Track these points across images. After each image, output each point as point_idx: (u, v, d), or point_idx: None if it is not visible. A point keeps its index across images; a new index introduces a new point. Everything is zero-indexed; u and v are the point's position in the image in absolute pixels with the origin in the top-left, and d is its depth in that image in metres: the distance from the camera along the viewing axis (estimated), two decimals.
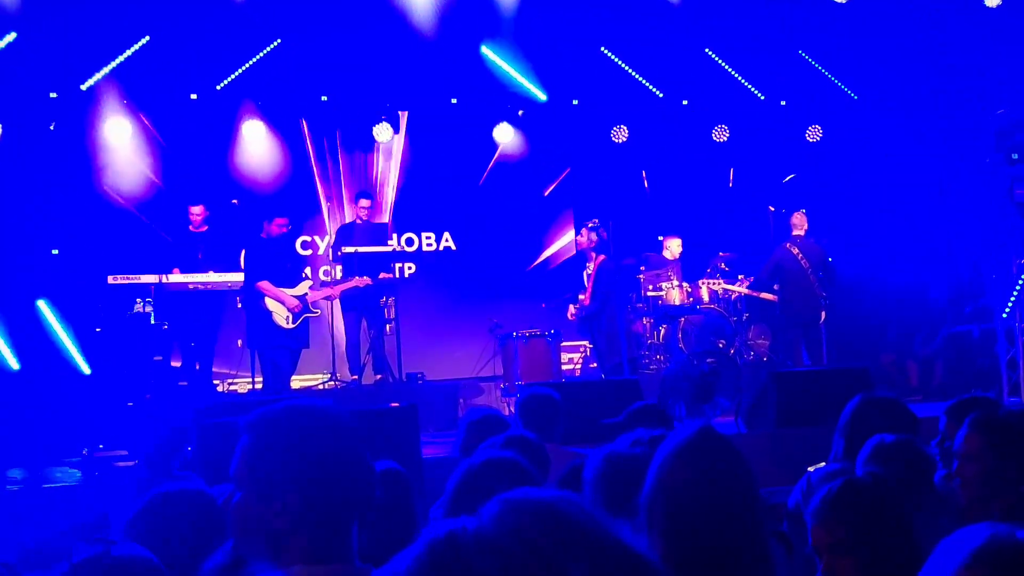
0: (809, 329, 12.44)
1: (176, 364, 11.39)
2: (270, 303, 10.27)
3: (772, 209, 13.68)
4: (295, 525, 2.20)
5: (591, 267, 11.76)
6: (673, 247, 13.42)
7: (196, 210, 11.89)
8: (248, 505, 2.23)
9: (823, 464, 4.70)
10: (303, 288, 10.41)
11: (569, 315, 12.08)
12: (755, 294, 12.89)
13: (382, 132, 13.89)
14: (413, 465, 6.72)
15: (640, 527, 2.57)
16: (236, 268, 12.14)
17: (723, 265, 13.39)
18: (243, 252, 11.57)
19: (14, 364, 10.90)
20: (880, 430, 4.37)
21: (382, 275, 11.58)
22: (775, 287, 12.62)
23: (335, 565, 2.17)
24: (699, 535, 2.45)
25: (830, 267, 12.49)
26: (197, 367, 11.66)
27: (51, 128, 12.57)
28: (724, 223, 14.31)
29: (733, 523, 2.47)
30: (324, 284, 10.74)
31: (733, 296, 13.23)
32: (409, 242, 14.54)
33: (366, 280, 11.48)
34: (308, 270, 11.58)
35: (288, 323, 10.28)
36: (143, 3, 12.10)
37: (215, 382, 12.08)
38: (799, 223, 12.49)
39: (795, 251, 12.34)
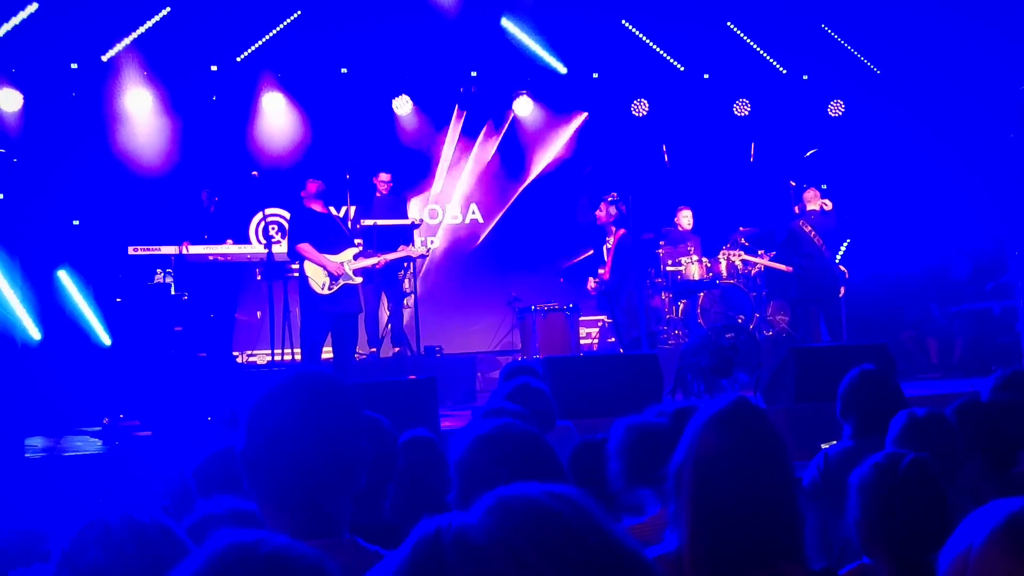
0: (828, 305, 12.39)
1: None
2: (309, 268, 10.23)
3: (793, 184, 13.60)
4: (283, 491, 2.22)
5: (611, 241, 11.74)
6: (684, 219, 13.37)
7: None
8: (246, 456, 2.26)
9: (834, 442, 4.70)
10: (348, 255, 10.37)
11: (589, 287, 12.05)
12: (776, 266, 12.86)
13: (401, 105, 13.87)
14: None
15: (668, 495, 2.57)
16: (246, 240, 12.19)
17: (743, 240, 13.34)
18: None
19: (36, 334, 10.95)
20: (873, 405, 4.38)
21: (413, 249, 11.50)
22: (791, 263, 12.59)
23: (320, 540, 2.18)
24: (729, 505, 2.43)
25: (839, 242, 12.44)
26: (216, 339, 11.71)
27: (72, 98, 12.59)
28: (745, 198, 14.24)
29: (764, 494, 2.45)
30: (365, 254, 10.67)
31: (752, 271, 13.19)
32: (432, 214, 14.54)
33: (419, 250, 11.46)
34: (360, 241, 11.56)
35: (325, 289, 10.22)
36: None
37: (234, 354, 12.12)
38: (812, 199, 12.44)
39: (807, 228, 12.29)
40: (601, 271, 11.77)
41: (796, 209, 12.38)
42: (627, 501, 3.68)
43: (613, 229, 11.70)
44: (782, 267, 12.83)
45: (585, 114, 14.95)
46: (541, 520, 1.27)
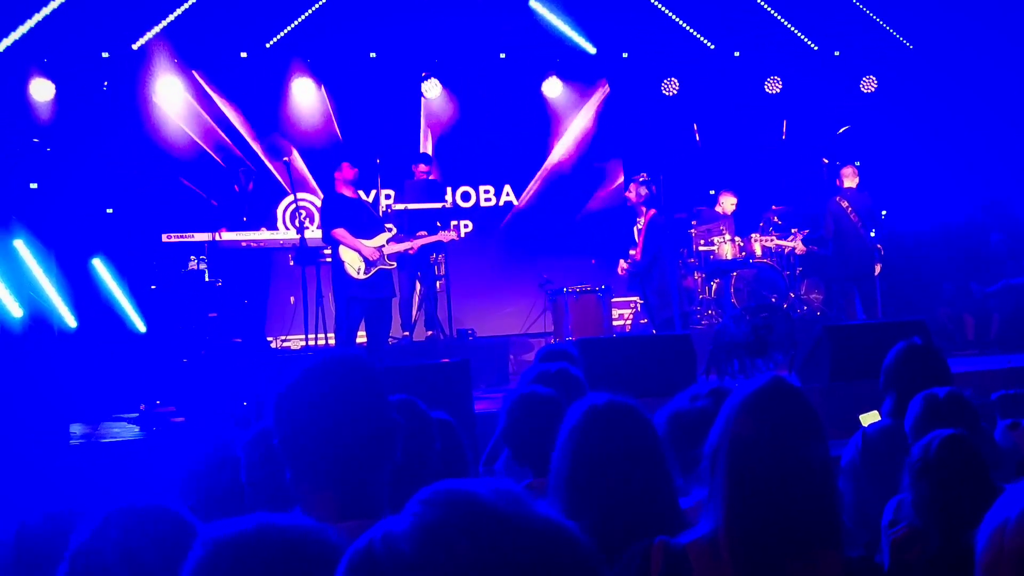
0: (863, 282, 12.34)
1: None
2: (344, 253, 10.25)
3: (826, 161, 13.50)
4: (318, 474, 2.25)
5: (641, 222, 11.68)
6: (727, 203, 13.30)
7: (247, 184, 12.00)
8: (268, 439, 2.30)
9: (875, 418, 4.65)
10: (382, 239, 10.38)
11: (620, 270, 12.01)
12: (809, 248, 12.81)
13: (431, 89, 13.86)
14: (466, 420, 6.76)
15: (703, 477, 2.55)
16: (274, 226, 12.26)
17: (776, 219, 13.26)
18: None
19: (71, 322, 11.04)
20: (919, 381, 4.32)
21: (448, 234, 11.50)
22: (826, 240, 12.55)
23: (363, 520, 2.19)
24: (766, 487, 2.40)
25: (879, 221, 12.36)
26: (250, 324, 11.78)
27: (104, 87, 12.66)
28: (777, 176, 14.15)
29: (802, 476, 2.42)
30: (398, 239, 10.69)
31: (786, 250, 13.11)
32: (466, 196, 14.54)
33: (451, 235, 11.46)
34: (391, 226, 11.58)
35: (360, 274, 10.24)
36: None
37: (268, 339, 12.17)
38: (850, 175, 12.38)
39: (844, 204, 12.23)
40: (632, 252, 11.73)
41: (839, 183, 12.36)
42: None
43: (644, 209, 11.65)
44: (799, 246, 12.81)
45: (607, 89, 14.85)
46: (471, 513, 1.23)
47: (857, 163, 12.86)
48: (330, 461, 2.25)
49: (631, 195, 11.78)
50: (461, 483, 1.28)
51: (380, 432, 2.30)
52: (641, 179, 11.74)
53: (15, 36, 12.12)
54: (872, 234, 12.44)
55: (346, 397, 2.28)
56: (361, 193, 10.81)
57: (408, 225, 11.83)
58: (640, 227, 11.66)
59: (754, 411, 2.48)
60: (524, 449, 4.01)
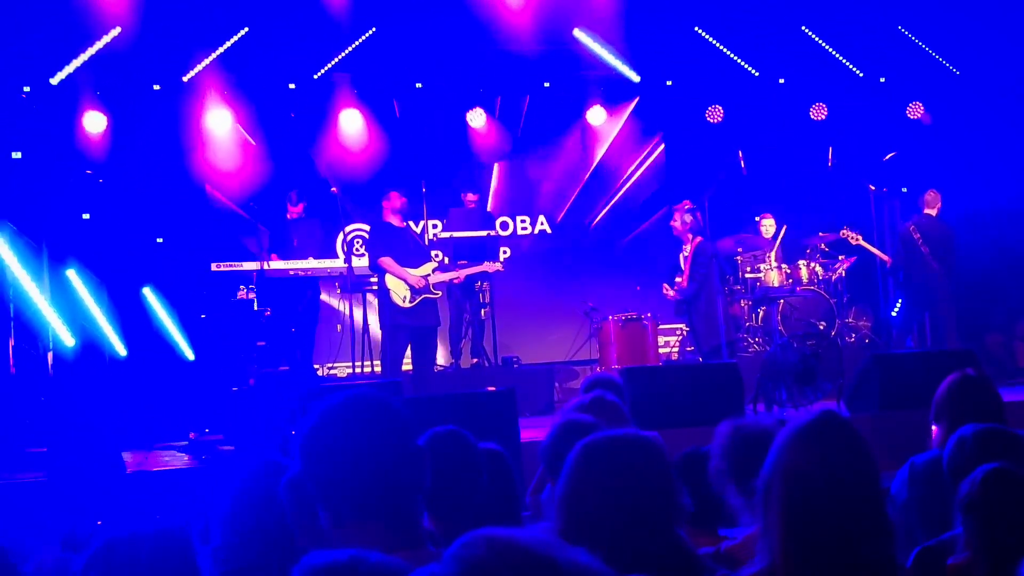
0: (936, 311, 12.32)
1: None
2: (390, 281, 10.34)
3: (872, 188, 13.43)
4: (351, 510, 2.28)
5: (687, 249, 11.67)
6: (768, 225, 13.28)
7: (295, 208, 12.10)
8: (303, 483, 2.33)
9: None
10: (427, 268, 10.47)
11: (665, 291, 11.94)
12: (874, 250, 12.86)
13: (476, 118, 13.95)
14: (512, 449, 6.77)
15: (756, 508, 2.55)
16: (332, 255, 12.35)
17: (823, 246, 13.19)
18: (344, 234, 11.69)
19: (121, 351, 11.18)
20: (972, 413, 4.27)
21: (493, 265, 11.56)
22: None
23: (404, 551, 2.22)
24: (820, 521, 2.41)
25: (951, 249, 12.27)
26: (298, 352, 11.87)
27: (155, 118, 12.84)
28: (823, 203, 14.07)
29: (856, 510, 2.42)
30: (444, 268, 10.80)
31: (833, 277, 13.04)
32: (504, 226, 14.59)
33: (496, 266, 11.51)
34: (439, 253, 11.67)
35: (405, 302, 10.33)
36: None
37: (315, 367, 12.26)
38: (931, 201, 12.32)
39: (916, 235, 12.16)
40: (679, 279, 11.70)
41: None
42: (727, 507, 3.68)
43: (690, 237, 11.64)
44: (879, 253, 12.82)
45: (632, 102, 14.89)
46: (509, 556, 1.27)
47: (904, 189, 12.81)
48: (360, 496, 2.29)
49: (676, 223, 11.76)
50: (500, 529, 1.31)
51: (404, 461, 2.33)
52: (686, 207, 11.73)
53: (69, 69, 12.35)
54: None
55: (366, 432, 2.32)
56: (410, 223, 10.90)
57: (456, 253, 11.91)
58: (686, 255, 11.65)
59: (805, 445, 2.49)
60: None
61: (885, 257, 12.95)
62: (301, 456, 2.36)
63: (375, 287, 11.36)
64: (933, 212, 12.33)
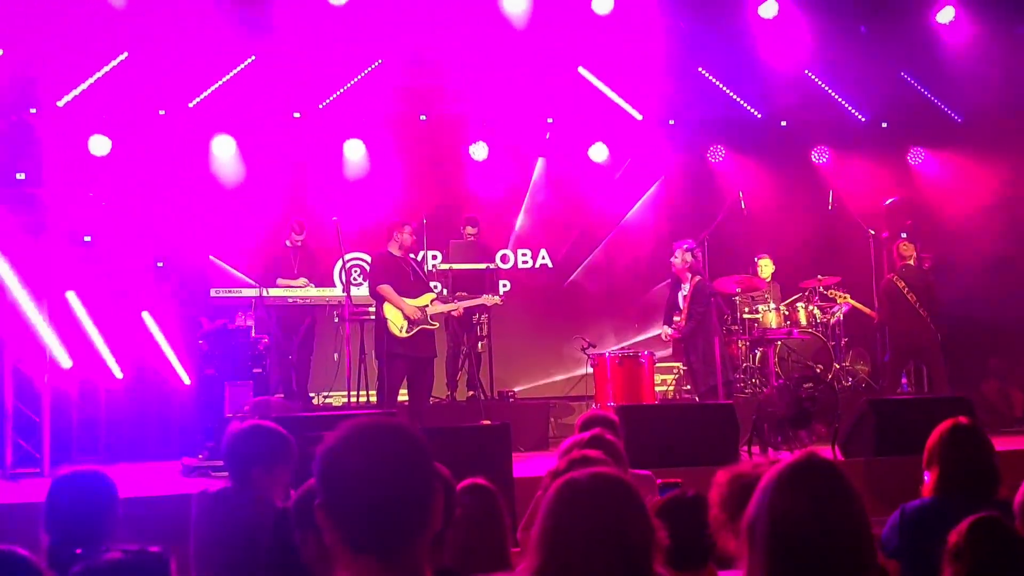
0: (922, 358, 12.34)
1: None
2: (387, 310, 10.36)
3: (872, 233, 13.46)
4: (359, 537, 2.26)
5: (687, 288, 11.67)
6: (765, 266, 13.31)
7: (299, 237, 12.12)
8: (320, 509, 2.31)
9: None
10: (426, 299, 10.49)
11: (664, 336, 11.91)
12: (861, 308, 12.88)
13: (478, 151, 14.02)
14: (505, 484, 6.77)
15: (741, 548, 2.56)
16: (330, 283, 12.38)
17: (822, 289, 13.22)
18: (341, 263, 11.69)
19: (117, 373, 11.16)
20: (962, 462, 4.29)
21: (492, 299, 11.57)
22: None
23: None
24: (801, 562, 2.41)
25: (934, 296, 12.28)
26: (294, 380, 11.86)
27: (159, 143, 12.90)
28: (823, 246, 14.09)
29: (841, 553, 2.43)
30: (443, 300, 10.83)
31: (831, 320, 13.05)
32: (504, 259, 14.62)
33: (495, 300, 11.52)
34: (438, 285, 11.68)
35: (402, 332, 10.35)
36: (250, 25, 12.36)
37: (311, 394, 12.25)
38: (907, 251, 12.34)
39: (901, 284, 12.18)
40: (678, 318, 11.70)
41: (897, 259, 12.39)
42: (714, 550, 3.68)
43: (689, 276, 11.65)
44: (867, 310, 12.84)
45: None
46: None
47: (904, 234, 12.84)
48: (371, 526, 2.27)
49: (676, 261, 11.78)
50: None
51: (421, 500, 2.32)
52: (686, 246, 11.75)
53: (76, 92, 12.42)
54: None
55: (392, 464, 2.30)
56: (411, 255, 10.92)
57: (455, 285, 11.92)
58: (685, 293, 11.65)
59: (790, 486, 2.50)
60: None
61: (873, 314, 12.97)
62: (319, 471, 2.34)
63: (372, 317, 11.37)
64: (911, 261, 12.34)
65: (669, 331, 11.69)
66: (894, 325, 12.43)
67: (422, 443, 2.35)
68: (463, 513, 3.69)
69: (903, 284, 12.18)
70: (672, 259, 11.76)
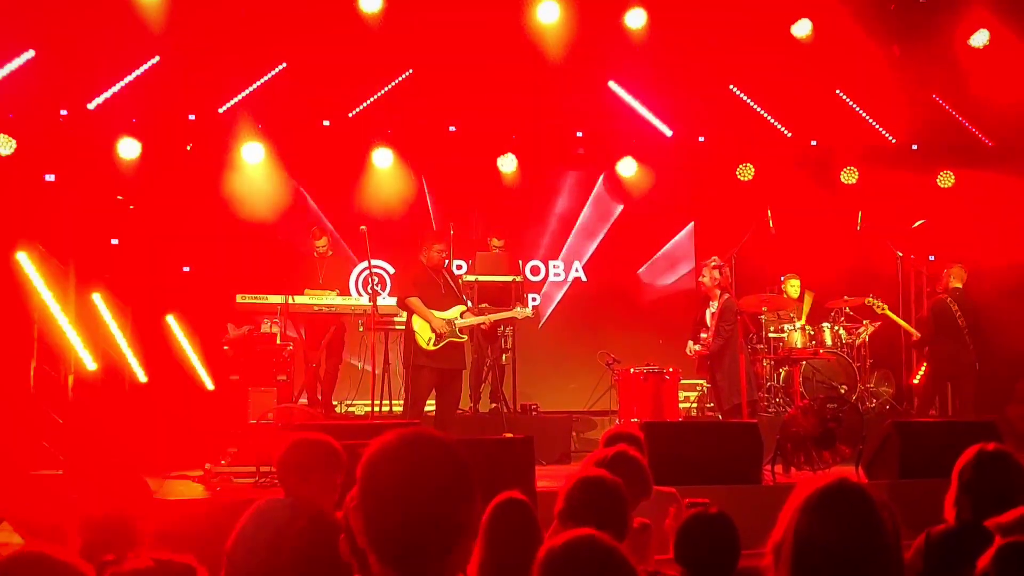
0: (956, 381, 12.24)
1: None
2: (415, 322, 10.38)
3: (900, 255, 13.38)
4: (395, 548, 2.24)
5: (715, 305, 11.62)
6: (793, 286, 13.25)
7: (320, 243, 12.12)
8: (357, 512, 2.29)
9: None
10: (456, 312, 10.49)
11: (690, 351, 11.81)
12: (900, 321, 12.83)
13: (507, 163, 14.02)
14: (528, 497, 6.74)
15: (766, 570, 2.53)
16: (353, 293, 12.40)
17: (848, 310, 13.14)
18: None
19: (142, 377, 11.20)
20: (988, 488, 4.25)
21: (519, 311, 11.54)
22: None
23: None
24: None
25: (981, 324, 12.23)
26: (319, 389, 11.86)
27: (188, 149, 12.95)
28: (850, 267, 14.01)
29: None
30: (472, 312, 10.83)
31: (857, 341, 12.98)
32: (535, 271, 14.63)
33: (527, 312, 11.50)
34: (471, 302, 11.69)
35: (430, 345, 10.35)
36: (281, 31, 12.39)
37: (334, 402, 12.25)
38: (960, 275, 12.29)
39: (954, 308, 12.12)
40: (704, 336, 11.64)
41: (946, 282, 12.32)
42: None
43: (717, 293, 11.59)
44: (905, 325, 12.78)
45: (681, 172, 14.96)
46: None
47: (932, 257, 12.74)
48: (402, 540, 2.25)
49: (704, 279, 11.72)
50: None
51: (457, 521, 2.30)
52: (714, 263, 11.70)
53: (106, 95, 12.48)
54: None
55: (436, 480, 2.28)
56: (447, 263, 10.93)
57: (478, 297, 11.91)
58: (713, 311, 11.60)
59: (819, 511, 2.47)
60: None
61: (912, 330, 12.91)
62: (361, 475, 2.33)
63: (398, 327, 11.38)
64: (961, 285, 12.30)
65: (696, 347, 11.62)
66: (939, 347, 12.33)
67: (467, 464, 2.33)
68: (501, 529, 3.68)
69: (956, 308, 12.11)
70: (700, 277, 11.71)
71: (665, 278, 15.06)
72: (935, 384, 12.61)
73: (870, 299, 12.87)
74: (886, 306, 12.91)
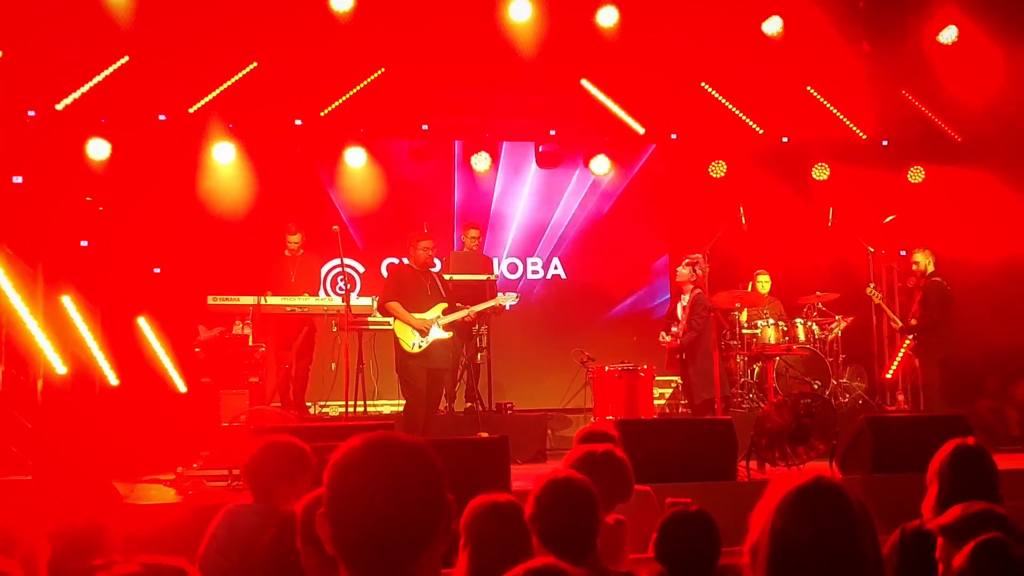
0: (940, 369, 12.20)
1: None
2: (397, 328, 10.34)
3: (871, 250, 13.44)
4: (363, 553, 2.22)
5: (686, 299, 11.65)
6: (764, 282, 13.30)
7: (293, 239, 12.04)
8: (322, 520, 2.27)
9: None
10: (437, 310, 10.45)
11: (661, 340, 11.83)
12: (886, 309, 12.87)
13: (480, 162, 14.00)
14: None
15: (743, 570, 2.52)
16: (322, 291, 12.34)
17: (821, 305, 13.20)
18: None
19: (112, 380, 11.11)
20: (966, 482, 4.26)
21: (508, 296, 11.53)
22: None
23: None
24: None
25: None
26: (291, 389, 11.79)
27: (158, 149, 12.85)
28: (822, 262, 14.08)
29: (844, 573, 2.39)
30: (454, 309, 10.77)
31: (829, 336, 13.03)
32: (512, 268, 14.62)
33: (511, 297, 11.47)
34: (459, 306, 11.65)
35: (413, 348, 10.31)
36: (251, 30, 12.30)
37: (308, 404, 12.18)
38: (932, 259, 12.28)
39: (950, 289, 12.12)
40: (675, 329, 11.68)
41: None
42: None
43: (690, 288, 11.62)
44: (891, 314, 12.84)
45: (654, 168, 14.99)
46: None
47: (902, 252, 12.79)
48: (369, 546, 2.22)
49: (679, 274, 11.75)
50: None
51: (424, 528, 2.27)
52: (687, 259, 11.73)
53: (75, 96, 12.37)
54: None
55: (403, 487, 2.25)
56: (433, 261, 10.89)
57: (456, 296, 11.88)
58: (684, 304, 11.62)
59: (795, 509, 2.46)
60: (552, 534, 3.89)
61: (897, 320, 12.90)
62: (329, 480, 2.30)
63: (371, 326, 11.35)
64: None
65: (667, 338, 11.67)
66: (940, 331, 12.16)
67: (438, 468, 2.31)
68: (486, 533, 3.66)
69: (950, 290, 12.14)
70: (679, 269, 11.74)
71: (639, 275, 15.07)
72: (935, 371, 12.35)
73: (871, 288, 12.89)
74: (880, 295, 12.98)
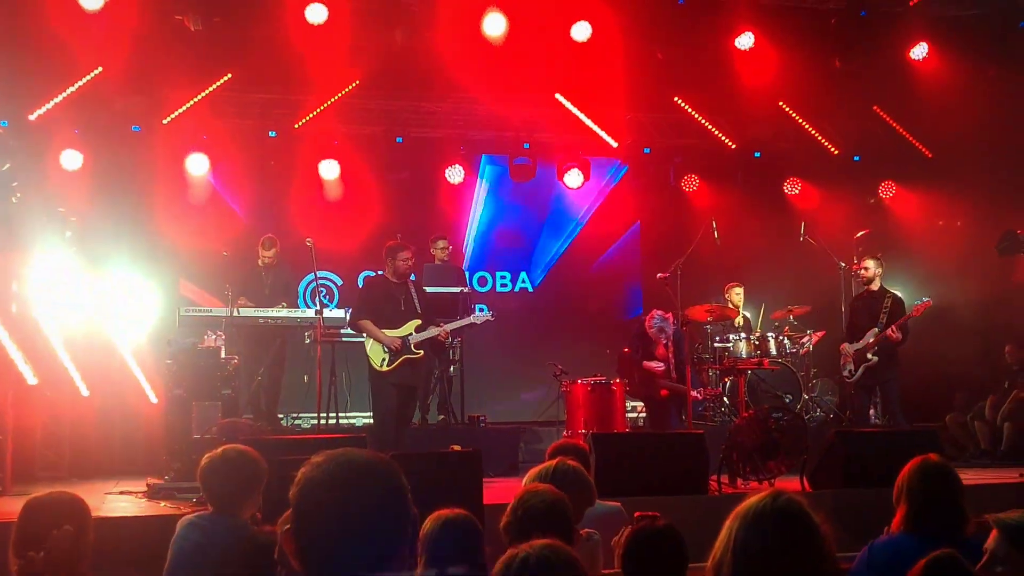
0: (885, 387, 12.00)
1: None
2: (368, 345, 10.24)
3: (843, 265, 13.52)
4: (327, 570, 2.24)
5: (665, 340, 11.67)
6: (737, 294, 13.36)
7: (268, 254, 11.99)
8: (289, 537, 2.29)
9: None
10: (410, 327, 10.33)
11: (647, 366, 11.82)
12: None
13: (454, 175, 14.03)
14: (476, 511, 6.72)
15: None
16: (302, 304, 12.29)
17: (793, 319, 13.27)
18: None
19: (84, 391, 11.04)
20: (931, 499, 4.30)
21: (478, 316, 11.49)
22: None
23: None
24: None
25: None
26: (263, 401, 11.74)
27: (132, 160, 12.80)
28: (794, 276, 14.16)
29: None
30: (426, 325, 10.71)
31: (801, 351, 13.10)
32: (483, 281, 14.63)
33: (486, 316, 11.43)
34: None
35: (383, 366, 10.17)
36: (226, 42, 12.28)
37: (279, 416, 12.14)
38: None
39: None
40: (658, 364, 11.68)
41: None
42: None
43: (663, 339, 11.63)
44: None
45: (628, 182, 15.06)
46: None
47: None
48: (338, 559, 2.24)
49: (653, 329, 11.69)
50: None
51: (388, 546, 2.29)
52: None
53: (48, 106, 12.31)
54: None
55: (369, 503, 2.27)
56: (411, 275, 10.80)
57: (428, 309, 11.86)
58: (667, 343, 11.66)
59: (755, 527, 2.50)
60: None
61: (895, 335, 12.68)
62: (295, 498, 2.32)
63: (344, 339, 11.32)
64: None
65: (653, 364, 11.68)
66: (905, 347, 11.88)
67: (401, 483, 2.34)
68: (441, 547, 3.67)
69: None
70: (650, 326, 11.67)
71: (611, 288, 15.12)
72: (897, 385, 12.21)
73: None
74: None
